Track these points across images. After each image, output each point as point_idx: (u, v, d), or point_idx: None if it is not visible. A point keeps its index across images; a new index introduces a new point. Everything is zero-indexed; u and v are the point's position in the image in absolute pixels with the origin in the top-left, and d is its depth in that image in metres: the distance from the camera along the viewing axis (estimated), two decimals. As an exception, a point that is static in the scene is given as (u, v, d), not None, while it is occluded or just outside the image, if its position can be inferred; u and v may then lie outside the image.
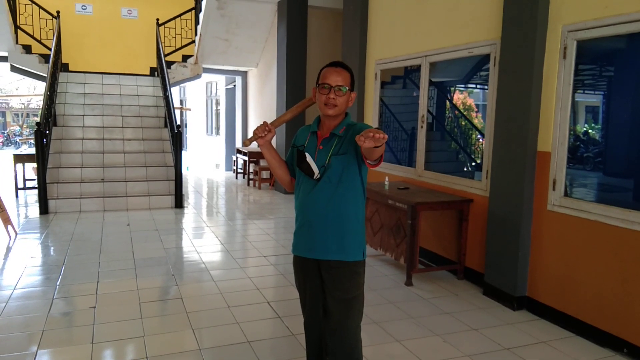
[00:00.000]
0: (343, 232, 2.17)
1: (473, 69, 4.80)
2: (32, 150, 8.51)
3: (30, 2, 9.80)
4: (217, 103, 14.86)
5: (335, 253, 2.16)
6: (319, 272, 2.24)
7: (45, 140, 7.30)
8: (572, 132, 3.59)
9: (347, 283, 2.18)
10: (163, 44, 10.11)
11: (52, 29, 9.81)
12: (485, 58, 4.37)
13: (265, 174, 10.47)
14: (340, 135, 2.16)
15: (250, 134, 11.97)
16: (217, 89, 14.85)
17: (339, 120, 2.20)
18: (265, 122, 2.17)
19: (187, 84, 16.13)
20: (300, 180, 2.24)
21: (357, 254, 2.20)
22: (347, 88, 2.13)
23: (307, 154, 2.18)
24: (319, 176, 2.15)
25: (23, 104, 33.72)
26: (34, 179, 8.36)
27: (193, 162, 15.75)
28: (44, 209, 7.11)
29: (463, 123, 5.19)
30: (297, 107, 2.32)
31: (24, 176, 8.72)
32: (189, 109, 17.68)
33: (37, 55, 9.75)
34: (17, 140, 27.05)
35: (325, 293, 2.22)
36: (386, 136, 1.73)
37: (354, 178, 2.17)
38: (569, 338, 3.42)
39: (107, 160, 8.20)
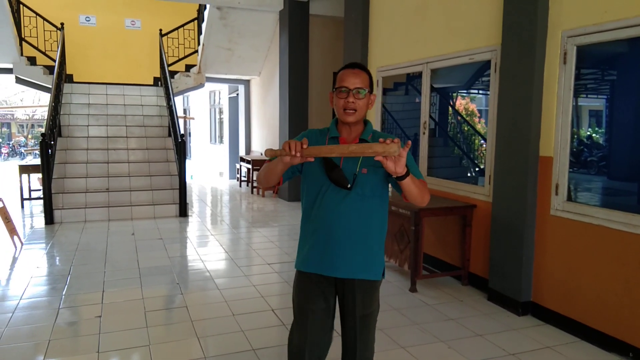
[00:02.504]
0: (370, 249, 2.04)
1: (474, 75, 4.82)
2: (38, 161, 8.57)
3: (34, 15, 9.92)
4: (221, 112, 14.95)
5: (361, 272, 2.03)
6: (335, 290, 2.09)
7: (50, 150, 7.35)
8: (575, 137, 3.60)
9: (368, 300, 2.07)
10: (166, 54, 10.19)
11: (57, 41, 9.92)
12: (486, 64, 4.39)
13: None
14: (369, 142, 1.99)
15: (253, 142, 12.02)
16: (220, 98, 14.93)
17: (362, 126, 2.06)
18: (300, 143, 1.77)
19: (191, 93, 16.24)
20: (322, 190, 2.01)
21: (379, 272, 2.08)
22: (366, 90, 1.98)
23: (332, 162, 1.99)
24: (350, 186, 1.96)
25: (28, 115, 33.96)
26: (40, 190, 8.41)
27: (197, 171, 15.81)
28: (49, 219, 7.15)
29: (465, 129, 5.21)
30: (342, 150, 1.76)
31: (29, 187, 8.78)
32: (193, 118, 17.78)
33: (41, 66, 9.85)
34: (23, 151, 27.26)
35: (344, 311, 2.09)
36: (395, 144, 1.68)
37: (383, 192, 2.05)
38: (575, 343, 3.41)
39: (112, 170, 8.25)
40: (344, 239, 1.99)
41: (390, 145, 1.69)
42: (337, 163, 1.99)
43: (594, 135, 3.71)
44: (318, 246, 2.04)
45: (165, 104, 9.77)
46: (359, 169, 1.97)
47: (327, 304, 2.10)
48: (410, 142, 1.80)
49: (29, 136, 33.67)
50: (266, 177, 2.03)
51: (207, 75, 11.03)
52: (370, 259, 2.04)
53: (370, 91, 2.02)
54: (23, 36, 9.84)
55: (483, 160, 4.59)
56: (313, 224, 2.05)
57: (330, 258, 2.01)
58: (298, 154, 1.75)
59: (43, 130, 7.99)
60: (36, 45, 9.90)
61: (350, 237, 2.00)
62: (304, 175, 2.10)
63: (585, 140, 3.69)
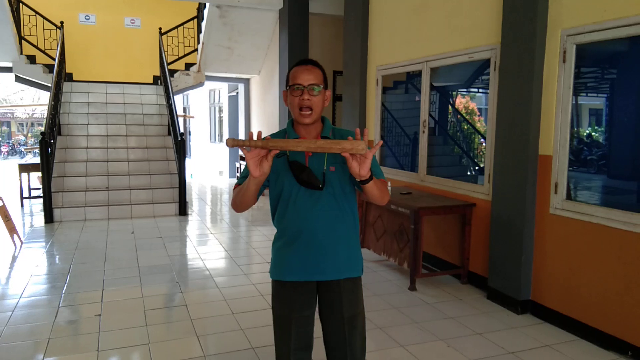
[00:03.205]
0: (351, 247, 2.02)
1: (474, 73, 4.82)
2: (37, 160, 8.58)
3: (34, 13, 9.92)
4: (220, 110, 14.93)
5: (345, 271, 2.01)
6: (317, 294, 2.05)
7: (50, 149, 7.35)
8: (575, 135, 3.60)
9: (354, 300, 2.04)
10: (166, 53, 10.18)
11: (56, 39, 9.92)
12: (486, 63, 4.39)
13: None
14: (331, 139, 1.94)
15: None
16: (220, 97, 14.92)
17: (320, 124, 1.98)
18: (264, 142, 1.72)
19: (190, 92, 16.22)
20: (292, 195, 1.95)
21: (360, 269, 2.07)
22: (321, 86, 1.91)
23: (299, 164, 1.95)
24: (321, 186, 1.92)
25: (27, 113, 33.95)
26: (39, 188, 8.42)
27: (197, 170, 15.81)
28: (49, 218, 7.16)
29: (465, 127, 5.21)
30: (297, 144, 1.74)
31: (29, 185, 8.79)
32: (192, 117, 17.78)
33: (41, 65, 9.84)
34: (22, 149, 27.25)
35: (329, 314, 2.04)
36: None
37: (351, 189, 2.01)
38: (574, 341, 3.42)
39: (112, 169, 8.26)
40: (325, 241, 1.95)
41: (358, 142, 1.68)
42: (304, 164, 1.93)
43: (593, 133, 3.71)
44: (299, 252, 1.97)
45: (165, 103, 9.76)
46: (326, 167, 1.93)
47: (311, 310, 2.06)
48: (381, 141, 1.84)
49: (29, 135, 33.67)
50: (242, 200, 1.95)
51: (207, 73, 11.03)
52: (352, 256, 2.03)
53: (325, 87, 1.95)
54: (23, 35, 9.83)
55: (482, 159, 4.60)
56: (289, 230, 2.00)
57: (315, 262, 1.96)
58: (260, 144, 1.70)
59: (43, 129, 7.99)
60: (36, 44, 9.89)
61: (331, 237, 1.96)
62: (271, 184, 2.02)
63: (584, 138, 3.69)
